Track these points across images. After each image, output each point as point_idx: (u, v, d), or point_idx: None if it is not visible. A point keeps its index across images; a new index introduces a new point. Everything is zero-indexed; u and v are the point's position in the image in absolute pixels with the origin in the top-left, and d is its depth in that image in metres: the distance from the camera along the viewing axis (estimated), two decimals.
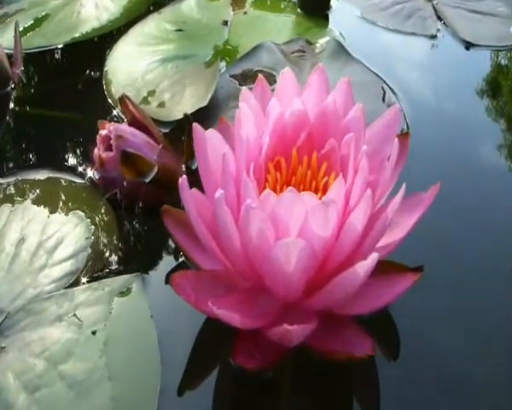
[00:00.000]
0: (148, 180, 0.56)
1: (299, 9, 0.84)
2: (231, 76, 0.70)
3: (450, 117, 0.68)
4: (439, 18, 0.83)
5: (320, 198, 0.37)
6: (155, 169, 0.57)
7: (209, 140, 0.42)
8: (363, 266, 0.34)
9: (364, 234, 0.36)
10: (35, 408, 0.41)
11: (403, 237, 0.40)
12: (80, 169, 0.61)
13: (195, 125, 0.44)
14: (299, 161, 0.43)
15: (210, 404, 0.42)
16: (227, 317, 0.36)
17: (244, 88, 0.45)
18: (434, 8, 0.85)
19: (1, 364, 0.43)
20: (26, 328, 0.46)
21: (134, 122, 0.59)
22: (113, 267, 0.51)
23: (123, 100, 0.59)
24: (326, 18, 0.84)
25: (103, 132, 0.56)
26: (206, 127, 0.45)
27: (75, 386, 0.42)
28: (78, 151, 0.64)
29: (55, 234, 0.53)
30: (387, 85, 0.68)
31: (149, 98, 0.67)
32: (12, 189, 0.59)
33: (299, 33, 0.80)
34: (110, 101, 0.68)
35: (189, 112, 0.60)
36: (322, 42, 0.76)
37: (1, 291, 0.48)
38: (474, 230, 0.54)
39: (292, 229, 0.36)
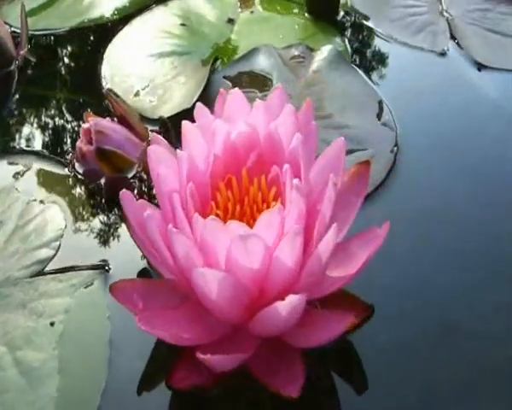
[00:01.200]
0: (129, 176, 0.58)
1: (306, 14, 0.84)
2: (225, 77, 0.71)
3: (441, 141, 0.66)
4: (452, 35, 0.80)
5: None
6: (135, 166, 0.58)
7: (153, 154, 0.43)
8: (283, 306, 0.35)
9: (300, 269, 0.37)
10: None
11: (354, 273, 0.40)
12: (66, 157, 0.62)
13: (153, 138, 0.46)
14: (250, 182, 0.43)
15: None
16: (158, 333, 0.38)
17: (199, 103, 0.46)
18: (448, 23, 0.82)
19: None
20: None
21: (119, 118, 0.60)
22: (82, 261, 0.52)
23: (107, 96, 0.60)
24: (334, 24, 0.83)
25: (85, 126, 0.58)
26: None
27: (27, 374, 0.44)
28: (66, 137, 0.66)
29: (31, 221, 0.55)
30: (385, 102, 0.67)
31: (141, 92, 0.68)
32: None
33: (304, 38, 0.79)
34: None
35: (176, 112, 0.62)
36: (324, 49, 0.76)
37: None
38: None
39: (220, 257, 0.37)
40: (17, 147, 0.64)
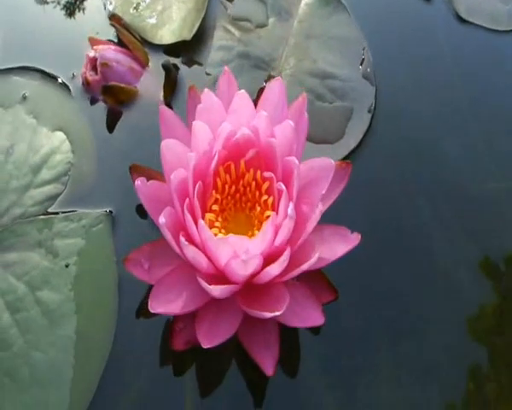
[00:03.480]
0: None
1: None
2: (221, 1, 0.69)
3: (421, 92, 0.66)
4: None
5: (257, 226, 0.43)
6: (137, 95, 0.59)
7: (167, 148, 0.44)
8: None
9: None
10: (15, 329, 0.50)
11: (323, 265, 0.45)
12: (70, 75, 0.62)
13: (163, 110, 0.46)
14: (247, 170, 0.46)
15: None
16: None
17: (206, 90, 0.46)
18: None
19: None
20: (10, 248, 0.53)
21: (122, 42, 0.59)
22: (89, 198, 0.56)
23: (112, 20, 0.59)
24: None
25: (91, 54, 0.58)
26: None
27: (48, 314, 0.51)
28: (72, 55, 0.64)
29: (40, 150, 0.58)
30: (367, 50, 0.67)
31: (141, 5, 0.66)
32: (5, 87, 0.62)
33: None
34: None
35: (176, 40, 0.63)
36: None
37: None
38: None
39: (221, 261, 0.41)
40: (22, 65, 0.64)
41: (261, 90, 0.57)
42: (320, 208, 0.41)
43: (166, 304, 0.44)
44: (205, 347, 0.42)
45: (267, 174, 0.45)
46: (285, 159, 0.44)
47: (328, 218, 0.46)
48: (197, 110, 0.45)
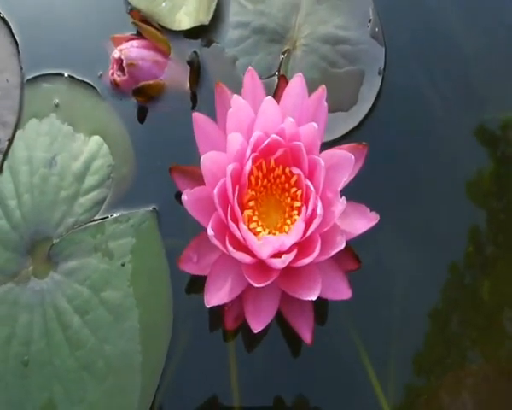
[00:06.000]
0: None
1: None
2: None
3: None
4: None
5: (288, 211, 0.50)
6: (164, 87, 0.62)
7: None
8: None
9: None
10: (86, 329, 0.55)
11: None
12: (97, 76, 0.65)
13: (196, 116, 0.50)
14: (276, 166, 0.50)
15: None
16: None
17: (235, 96, 0.48)
18: None
19: (56, 288, 0.57)
20: (70, 256, 0.58)
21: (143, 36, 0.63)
22: (132, 197, 0.60)
23: (133, 17, 0.61)
24: None
25: (116, 55, 0.60)
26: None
27: (113, 311, 0.56)
28: (94, 54, 0.66)
29: (80, 157, 0.61)
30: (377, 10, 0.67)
31: None
32: (36, 97, 0.64)
33: None
34: None
35: (193, 25, 0.64)
36: None
37: (44, 217, 0.59)
38: None
39: (263, 257, 0.46)
40: (48, 72, 0.66)
41: (281, 77, 0.58)
42: (343, 203, 0.45)
43: (217, 295, 0.48)
44: (255, 331, 0.47)
45: (295, 170, 0.49)
46: (310, 156, 0.47)
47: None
48: (228, 115, 0.48)
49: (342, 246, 0.45)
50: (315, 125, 0.47)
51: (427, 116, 0.64)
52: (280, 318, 0.51)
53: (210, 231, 0.45)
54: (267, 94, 0.51)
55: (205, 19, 0.65)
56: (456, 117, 0.64)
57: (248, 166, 0.47)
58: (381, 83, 0.64)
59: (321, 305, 0.55)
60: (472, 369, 0.57)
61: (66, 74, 0.65)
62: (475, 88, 0.65)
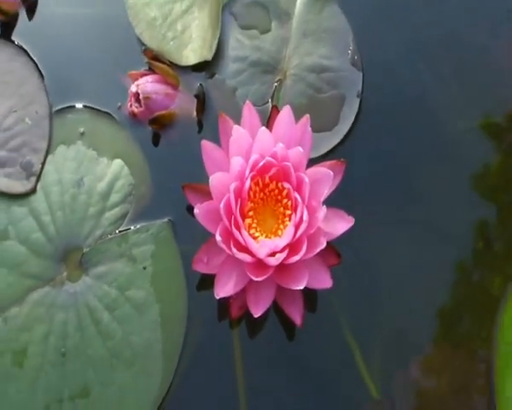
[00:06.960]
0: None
1: None
2: (231, 13, 0.79)
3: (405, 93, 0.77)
4: None
5: (281, 218, 0.60)
6: (175, 116, 0.72)
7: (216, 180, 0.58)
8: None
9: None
10: (115, 323, 0.66)
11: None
12: (116, 107, 0.75)
13: (204, 144, 0.61)
14: (270, 181, 0.61)
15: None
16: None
17: (236, 127, 0.59)
18: None
19: (87, 290, 0.67)
20: (99, 263, 0.68)
21: (154, 72, 0.73)
22: (149, 211, 0.70)
23: (146, 55, 0.73)
24: None
25: (133, 90, 0.71)
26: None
27: (137, 307, 0.66)
28: (112, 88, 0.76)
29: (104, 178, 0.71)
30: (356, 41, 0.77)
31: (163, 24, 0.77)
32: (63, 126, 0.74)
33: None
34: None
35: (198, 61, 0.75)
36: None
37: (76, 231, 0.69)
38: None
39: (261, 256, 0.57)
40: (72, 104, 0.76)
41: (273, 107, 0.68)
42: (324, 210, 0.56)
43: (225, 289, 0.59)
44: (256, 316, 0.57)
45: (286, 185, 0.60)
46: (297, 173, 0.59)
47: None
48: (230, 142, 0.59)
49: (324, 245, 0.56)
50: (300, 149, 0.58)
51: (399, 132, 0.74)
52: (276, 307, 0.62)
53: (218, 237, 0.56)
54: (262, 119, 0.63)
55: (208, 55, 0.76)
56: (423, 134, 0.75)
57: (248, 183, 0.58)
58: (360, 104, 0.74)
59: (310, 295, 0.65)
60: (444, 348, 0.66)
61: (88, 106, 0.75)
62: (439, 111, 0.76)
